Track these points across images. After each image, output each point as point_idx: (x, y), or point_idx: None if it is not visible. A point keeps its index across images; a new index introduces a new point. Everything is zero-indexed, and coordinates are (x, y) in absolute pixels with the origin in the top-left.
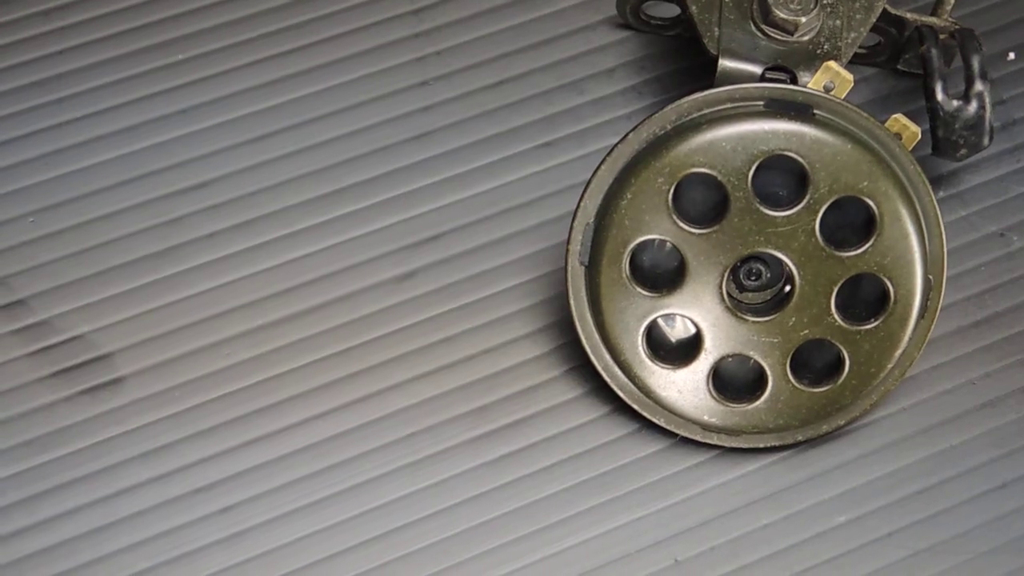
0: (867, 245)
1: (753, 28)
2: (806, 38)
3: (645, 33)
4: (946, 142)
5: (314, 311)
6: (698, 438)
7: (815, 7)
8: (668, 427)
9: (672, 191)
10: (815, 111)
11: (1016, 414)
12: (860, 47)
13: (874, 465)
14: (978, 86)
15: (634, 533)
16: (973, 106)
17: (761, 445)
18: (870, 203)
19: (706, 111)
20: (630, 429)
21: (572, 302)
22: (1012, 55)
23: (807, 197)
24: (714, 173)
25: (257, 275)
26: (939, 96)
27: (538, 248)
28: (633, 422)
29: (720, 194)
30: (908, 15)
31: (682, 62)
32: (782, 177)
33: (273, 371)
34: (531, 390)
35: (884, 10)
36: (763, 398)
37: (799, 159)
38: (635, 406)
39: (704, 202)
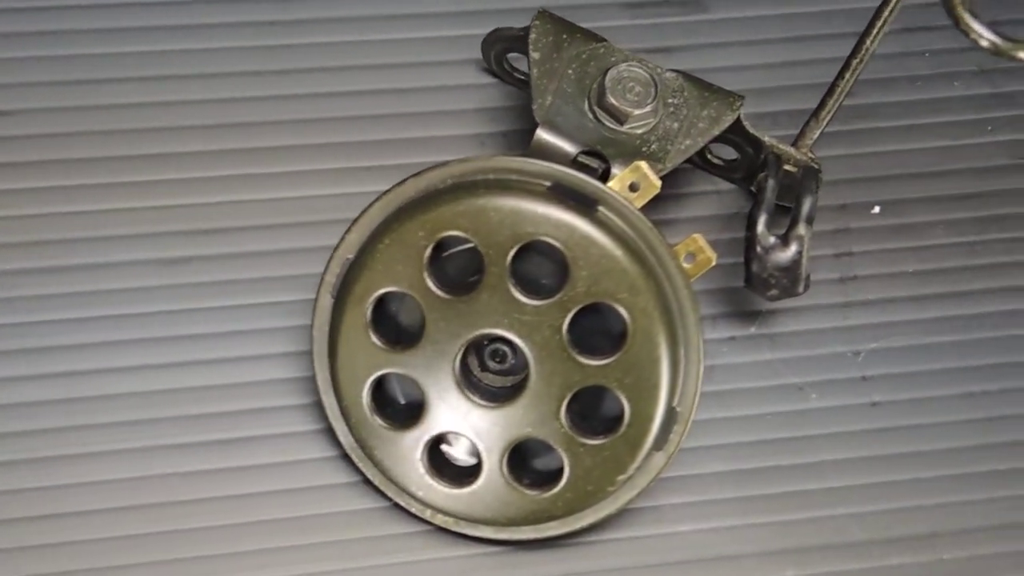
0: (611, 359)
1: (586, 107)
2: (638, 131)
3: (509, 85)
4: (758, 278)
5: (63, 272)
6: (408, 507)
7: (653, 102)
8: (381, 488)
9: (431, 248)
10: (600, 207)
11: (751, 574)
12: (719, 159)
13: None
14: (800, 229)
15: None
16: (791, 249)
17: (468, 532)
18: (625, 316)
19: (490, 176)
20: (353, 480)
21: (315, 334)
22: (877, 209)
23: (562, 293)
24: (475, 242)
25: (9, 220)
26: (759, 228)
27: (317, 271)
28: (357, 473)
29: (480, 265)
30: (766, 138)
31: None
32: (550, 266)
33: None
34: (265, 412)
35: (743, 128)
36: (474, 486)
37: (564, 252)
38: (353, 456)
39: (466, 269)
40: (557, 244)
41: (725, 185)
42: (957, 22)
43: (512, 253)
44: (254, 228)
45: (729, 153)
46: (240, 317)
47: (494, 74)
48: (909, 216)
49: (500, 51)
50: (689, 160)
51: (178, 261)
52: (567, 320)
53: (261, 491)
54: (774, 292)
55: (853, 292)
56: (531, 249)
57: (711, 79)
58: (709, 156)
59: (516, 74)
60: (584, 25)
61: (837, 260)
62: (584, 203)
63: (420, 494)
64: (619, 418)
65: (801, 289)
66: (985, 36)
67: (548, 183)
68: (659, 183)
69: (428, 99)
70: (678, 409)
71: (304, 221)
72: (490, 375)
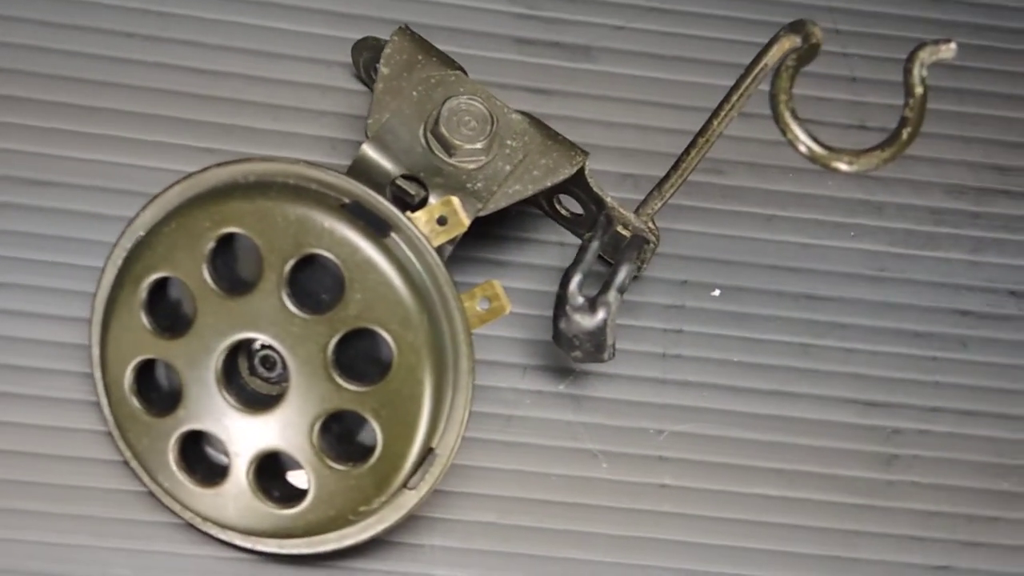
0: (372, 386)
1: (420, 132)
2: (466, 166)
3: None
4: (563, 337)
5: None
6: (159, 496)
7: (486, 139)
8: (135, 472)
9: (216, 241)
10: (392, 234)
11: None
12: (567, 211)
13: None
14: (610, 296)
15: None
16: (598, 315)
17: (214, 534)
18: (392, 346)
19: (291, 180)
20: (116, 458)
21: (95, 305)
22: (718, 292)
23: (332, 312)
24: (258, 243)
25: None
26: (570, 287)
27: None
28: (120, 453)
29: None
30: (608, 198)
31: None
32: (331, 283)
33: None
34: (44, 372)
35: (587, 183)
36: (218, 488)
37: (341, 270)
38: (113, 434)
39: (251, 268)
40: (337, 261)
41: (571, 238)
42: (777, 120)
43: (292, 262)
44: (75, 187)
45: (577, 207)
46: (40, 272)
47: (363, 81)
48: (748, 306)
49: (368, 60)
50: (538, 207)
51: None
52: (334, 340)
53: (24, 451)
54: (578, 354)
55: (672, 370)
56: (317, 262)
57: (581, 130)
58: (557, 206)
59: None
60: (472, 52)
61: (664, 335)
62: (377, 227)
63: (167, 485)
64: (371, 447)
65: (606, 357)
66: (802, 140)
67: (347, 200)
68: (467, 222)
69: (293, 94)
70: (437, 451)
71: (126, 189)
72: (258, 380)
